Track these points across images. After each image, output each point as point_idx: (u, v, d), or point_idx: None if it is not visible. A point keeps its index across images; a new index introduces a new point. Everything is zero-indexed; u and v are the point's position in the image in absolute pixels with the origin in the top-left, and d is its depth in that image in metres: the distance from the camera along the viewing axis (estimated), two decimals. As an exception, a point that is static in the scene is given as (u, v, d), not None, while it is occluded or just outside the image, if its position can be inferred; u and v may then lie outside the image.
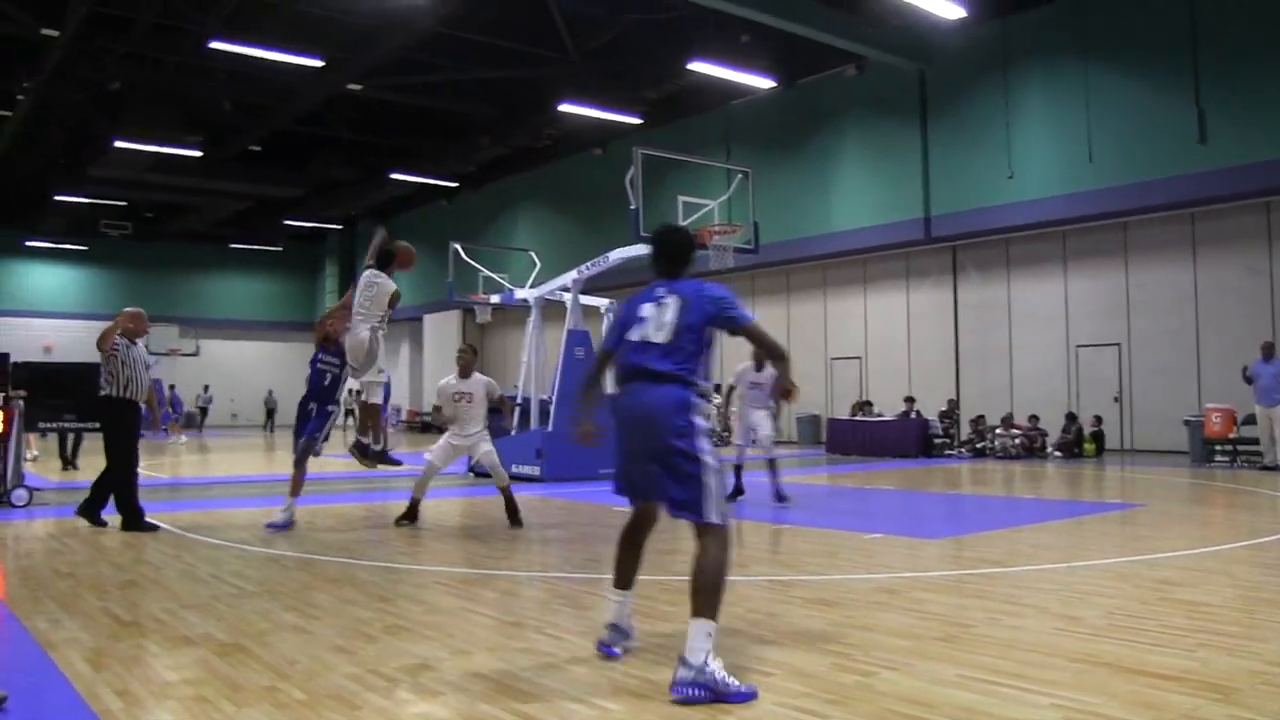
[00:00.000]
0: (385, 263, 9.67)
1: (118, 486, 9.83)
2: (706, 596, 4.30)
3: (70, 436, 17.97)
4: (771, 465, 12.25)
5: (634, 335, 4.77)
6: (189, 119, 28.53)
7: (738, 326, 4.71)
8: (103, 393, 9.75)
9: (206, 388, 41.52)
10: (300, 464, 10.09)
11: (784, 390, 5.30)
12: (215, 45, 21.71)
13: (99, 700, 4.25)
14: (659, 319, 4.70)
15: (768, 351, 5.00)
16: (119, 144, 27.96)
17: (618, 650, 4.90)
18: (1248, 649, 4.93)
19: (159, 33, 23.48)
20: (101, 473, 9.98)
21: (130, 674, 4.67)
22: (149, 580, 7.13)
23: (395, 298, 9.60)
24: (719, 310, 4.69)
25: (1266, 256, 19.62)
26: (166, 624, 5.68)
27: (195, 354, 40.89)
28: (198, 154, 30.22)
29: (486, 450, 10.39)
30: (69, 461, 18.13)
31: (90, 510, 9.96)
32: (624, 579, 5.04)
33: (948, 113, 23.52)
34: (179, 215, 42.02)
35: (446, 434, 10.41)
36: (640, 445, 4.62)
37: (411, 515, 10.20)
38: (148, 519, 9.81)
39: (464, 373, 10.25)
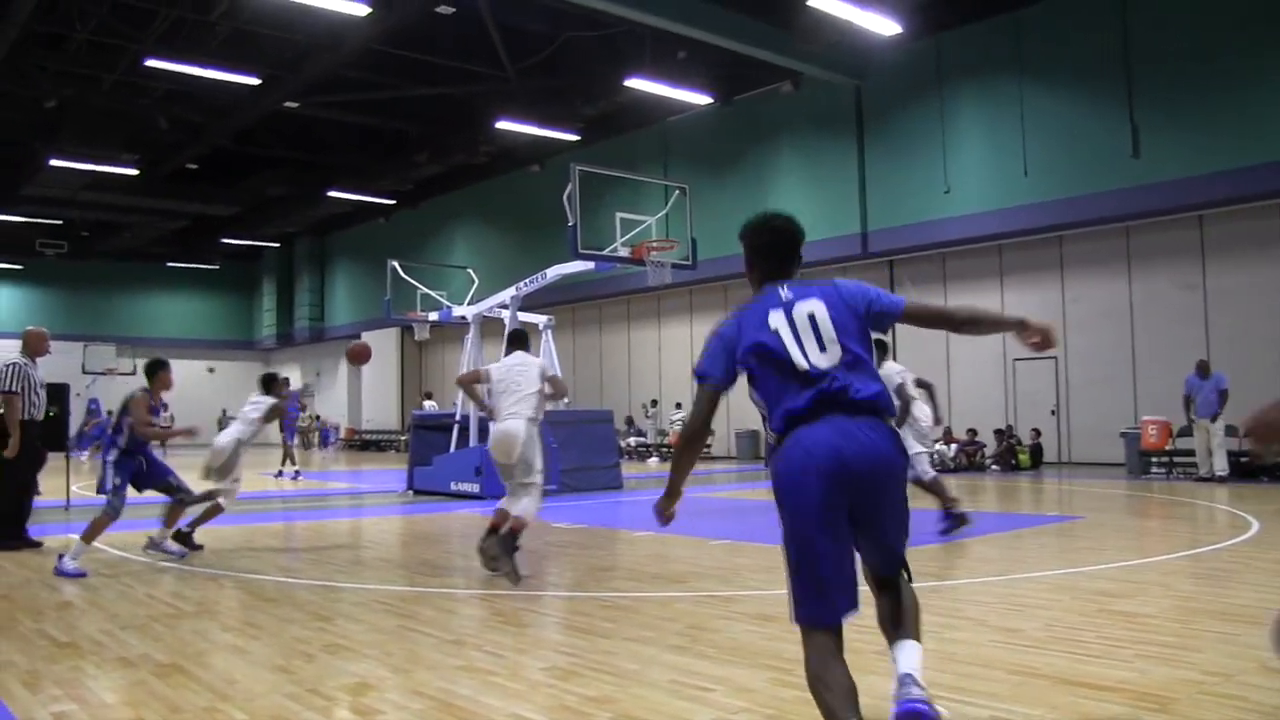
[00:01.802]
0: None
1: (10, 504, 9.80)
2: (918, 621, 3.73)
3: None
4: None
5: (788, 362, 3.53)
6: (125, 137, 28.16)
7: (899, 310, 3.78)
8: None
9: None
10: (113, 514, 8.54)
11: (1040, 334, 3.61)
12: (151, 63, 21.48)
13: (35, 724, 4.18)
14: (806, 331, 3.58)
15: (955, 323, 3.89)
16: (54, 162, 27.55)
17: None
18: (1184, 659, 4.98)
19: (94, 50, 23.20)
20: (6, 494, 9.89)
21: (68, 695, 4.61)
22: (86, 601, 7.03)
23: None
24: (870, 299, 3.73)
25: (1199, 270, 19.91)
26: (104, 645, 5.61)
27: (133, 373, 40.19)
28: (134, 172, 29.82)
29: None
30: None
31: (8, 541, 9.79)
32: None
33: (884, 128, 23.76)
34: (115, 234, 41.47)
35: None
36: (843, 509, 3.44)
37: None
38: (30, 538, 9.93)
39: None
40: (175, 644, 5.63)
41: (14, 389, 9.58)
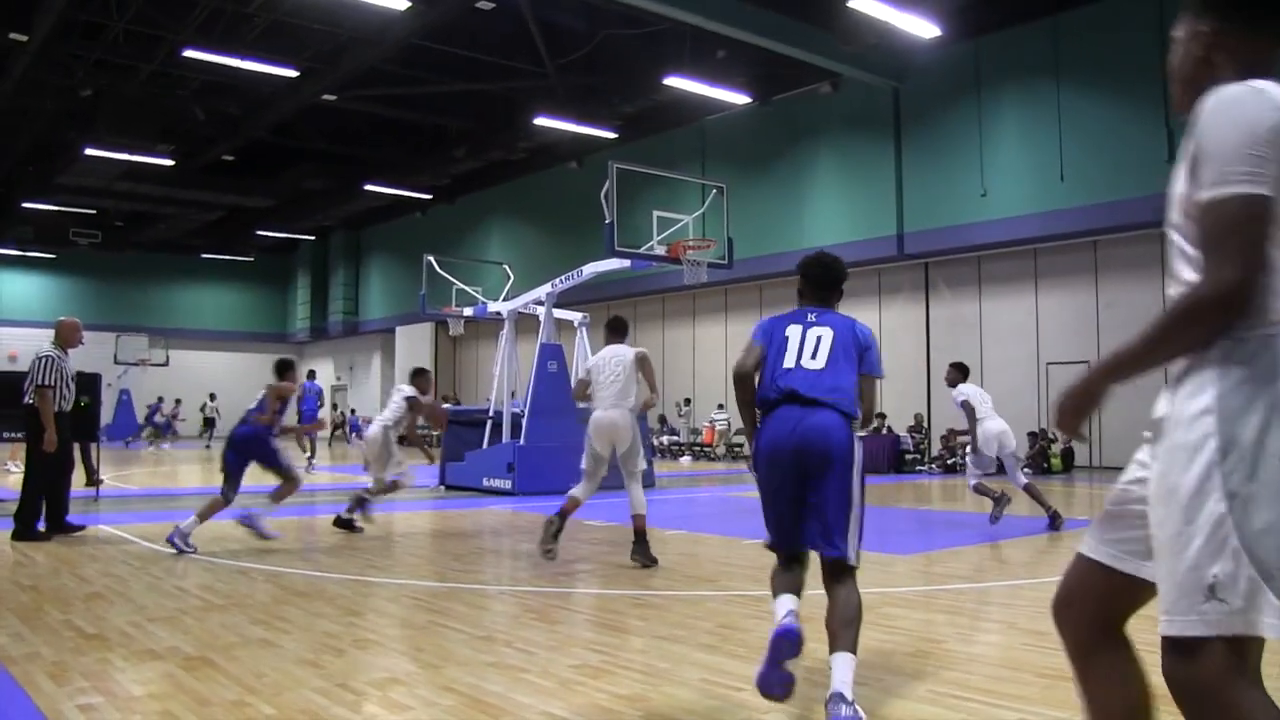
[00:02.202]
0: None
1: (47, 492, 9.95)
2: (854, 631, 4.20)
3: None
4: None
5: (785, 360, 4.53)
6: (161, 127, 28.36)
7: (869, 370, 4.59)
8: (30, 400, 9.73)
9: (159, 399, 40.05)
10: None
11: None
12: (189, 54, 21.63)
13: (62, 716, 4.18)
14: (809, 344, 4.55)
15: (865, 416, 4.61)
16: (89, 151, 27.76)
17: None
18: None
19: (131, 40, 23.35)
20: (32, 485, 9.97)
21: (95, 688, 4.60)
22: (114, 593, 7.04)
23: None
24: (865, 350, 4.58)
25: (1232, 276, 19.78)
26: (132, 637, 5.60)
27: (165, 364, 40.56)
28: (169, 163, 30.04)
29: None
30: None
31: (38, 528, 9.89)
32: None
33: (922, 130, 23.66)
34: (150, 224, 41.75)
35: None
36: (794, 475, 4.38)
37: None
38: (69, 523, 10.19)
39: None
40: (204, 637, 5.62)
41: (47, 382, 9.67)
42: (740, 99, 24.79)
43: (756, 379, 4.63)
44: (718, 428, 28.21)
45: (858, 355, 4.55)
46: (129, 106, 26.66)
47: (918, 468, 22.44)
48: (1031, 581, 7.55)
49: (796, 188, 26.01)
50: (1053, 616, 2.50)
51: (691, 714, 4.22)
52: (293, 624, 5.98)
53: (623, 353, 8.74)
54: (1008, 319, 23.37)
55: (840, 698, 3.96)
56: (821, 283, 4.86)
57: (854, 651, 4.13)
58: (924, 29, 19.18)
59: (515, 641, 5.57)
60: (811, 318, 4.66)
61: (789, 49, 21.30)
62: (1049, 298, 22.78)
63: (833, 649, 4.14)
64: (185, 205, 38.56)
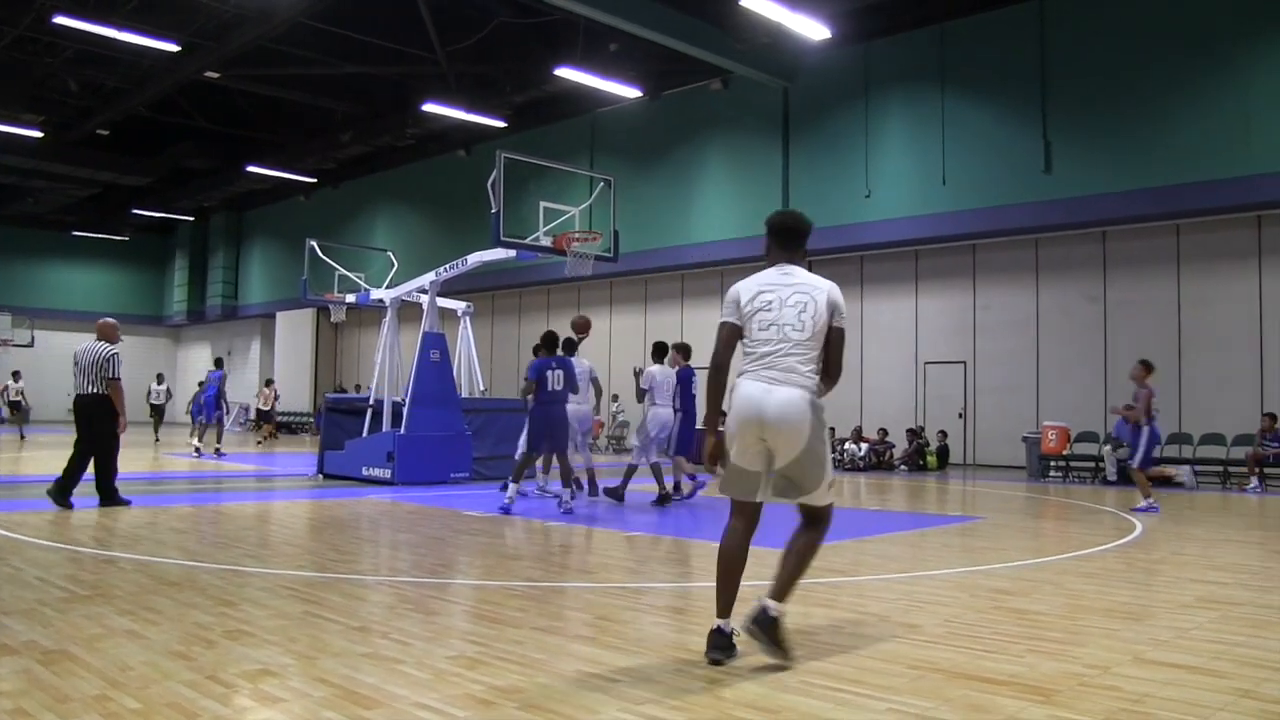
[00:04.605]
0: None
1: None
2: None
3: None
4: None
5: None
6: (28, 96, 27.33)
7: None
8: (94, 390, 11.07)
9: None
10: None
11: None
12: (60, 20, 20.83)
13: (-101, 718, 3.94)
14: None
15: None
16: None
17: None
18: (1070, 654, 5.16)
19: (-6, 3, 22.43)
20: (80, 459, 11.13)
21: (-59, 686, 4.33)
22: (-30, 584, 6.77)
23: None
24: None
25: (1101, 283, 20.53)
26: (-15, 630, 5.37)
27: (30, 345, 39.09)
28: (38, 134, 29.03)
29: None
30: None
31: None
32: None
33: (809, 131, 23.97)
34: (16, 198, 40.31)
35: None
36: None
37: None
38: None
39: None
40: (65, 629, 5.41)
41: (118, 375, 11.17)
42: (631, 93, 24.84)
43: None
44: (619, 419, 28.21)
45: None
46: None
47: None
48: (906, 576, 7.70)
49: (684, 183, 26.15)
50: None
51: (567, 705, 4.21)
52: (162, 615, 5.82)
53: (669, 372, 13.52)
54: (888, 318, 23.82)
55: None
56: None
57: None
58: (815, 30, 19.42)
59: (391, 632, 5.51)
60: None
61: (681, 45, 21.39)
62: (928, 299, 23.27)
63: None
64: (56, 179, 37.28)
